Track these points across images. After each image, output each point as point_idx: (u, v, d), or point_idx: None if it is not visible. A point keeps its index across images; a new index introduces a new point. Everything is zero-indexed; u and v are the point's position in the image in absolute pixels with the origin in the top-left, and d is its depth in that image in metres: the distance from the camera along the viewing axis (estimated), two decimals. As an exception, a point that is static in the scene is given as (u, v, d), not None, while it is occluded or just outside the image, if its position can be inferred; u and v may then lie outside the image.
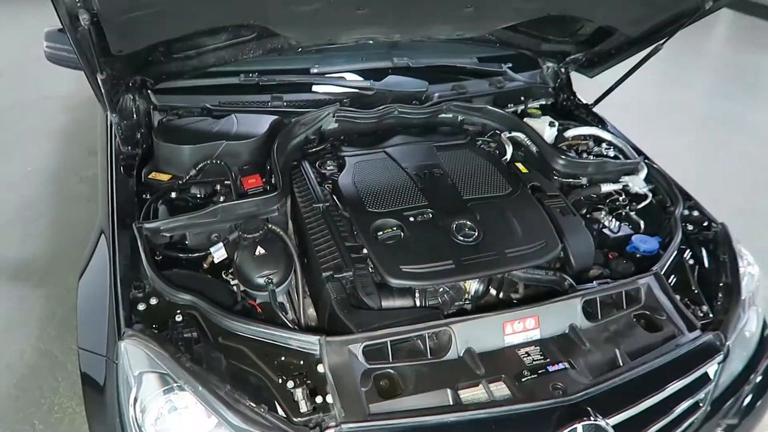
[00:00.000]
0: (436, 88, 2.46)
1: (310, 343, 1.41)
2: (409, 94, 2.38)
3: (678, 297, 1.70)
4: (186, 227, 1.72)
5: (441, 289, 1.68)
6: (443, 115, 2.36)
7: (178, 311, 1.49)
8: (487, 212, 1.84)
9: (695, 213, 2.07)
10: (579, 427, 1.32)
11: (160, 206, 1.82)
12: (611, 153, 2.32)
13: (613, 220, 2.01)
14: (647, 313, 1.65)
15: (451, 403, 1.35)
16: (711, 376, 1.58)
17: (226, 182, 1.92)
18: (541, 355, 1.48)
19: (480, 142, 2.26)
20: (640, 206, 2.09)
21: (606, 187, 2.11)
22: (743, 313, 1.72)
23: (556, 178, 2.13)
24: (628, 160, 2.24)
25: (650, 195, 2.12)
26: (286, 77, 2.29)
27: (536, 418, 1.34)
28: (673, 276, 1.81)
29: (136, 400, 1.34)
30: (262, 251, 1.64)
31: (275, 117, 2.13)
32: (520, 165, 2.12)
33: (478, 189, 1.94)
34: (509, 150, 2.20)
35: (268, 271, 1.60)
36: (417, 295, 1.64)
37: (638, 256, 1.87)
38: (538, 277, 1.76)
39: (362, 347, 1.40)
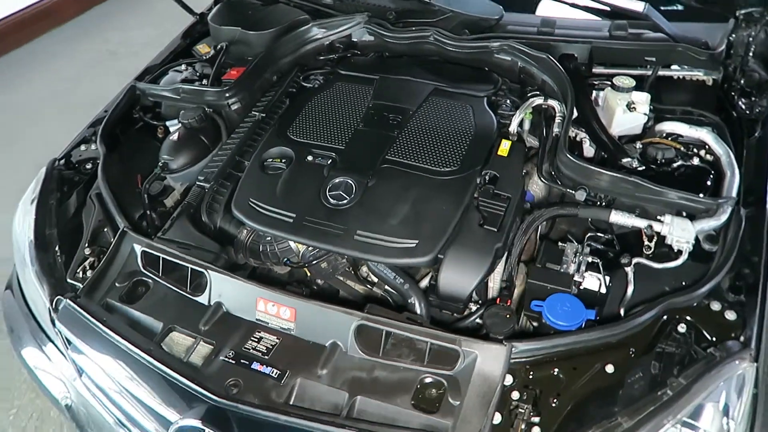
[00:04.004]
0: (517, 18, 1.90)
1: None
2: (474, 21, 1.91)
3: (517, 395, 1.17)
4: (160, 97, 1.94)
5: (268, 238, 1.53)
6: (499, 56, 1.84)
7: (90, 163, 1.78)
8: (391, 183, 1.51)
9: (730, 315, 1.24)
10: (183, 425, 1.19)
11: (170, 73, 2.06)
12: (708, 181, 1.48)
13: (578, 264, 1.38)
14: (444, 385, 1.20)
15: (158, 335, 1.34)
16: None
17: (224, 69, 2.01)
18: (267, 349, 1.28)
19: (507, 101, 1.73)
20: (661, 266, 1.36)
21: (618, 217, 1.42)
22: None
23: (544, 182, 1.52)
24: (696, 197, 1.41)
25: (685, 255, 1.35)
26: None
27: (180, 394, 1.24)
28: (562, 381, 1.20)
29: None
30: (174, 138, 1.76)
31: (304, 15, 2.04)
32: (506, 143, 1.57)
33: (420, 154, 1.57)
34: (515, 121, 1.64)
35: (168, 156, 1.73)
36: (245, 233, 1.54)
37: (545, 323, 1.29)
38: (383, 277, 1.43)
39: (141, 250, 1.47)
